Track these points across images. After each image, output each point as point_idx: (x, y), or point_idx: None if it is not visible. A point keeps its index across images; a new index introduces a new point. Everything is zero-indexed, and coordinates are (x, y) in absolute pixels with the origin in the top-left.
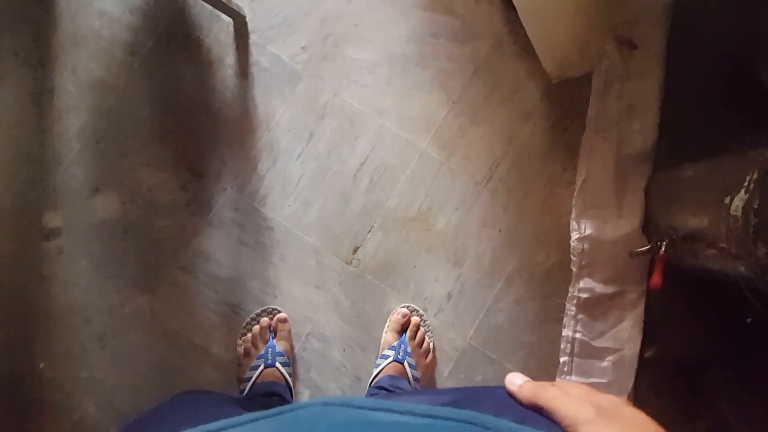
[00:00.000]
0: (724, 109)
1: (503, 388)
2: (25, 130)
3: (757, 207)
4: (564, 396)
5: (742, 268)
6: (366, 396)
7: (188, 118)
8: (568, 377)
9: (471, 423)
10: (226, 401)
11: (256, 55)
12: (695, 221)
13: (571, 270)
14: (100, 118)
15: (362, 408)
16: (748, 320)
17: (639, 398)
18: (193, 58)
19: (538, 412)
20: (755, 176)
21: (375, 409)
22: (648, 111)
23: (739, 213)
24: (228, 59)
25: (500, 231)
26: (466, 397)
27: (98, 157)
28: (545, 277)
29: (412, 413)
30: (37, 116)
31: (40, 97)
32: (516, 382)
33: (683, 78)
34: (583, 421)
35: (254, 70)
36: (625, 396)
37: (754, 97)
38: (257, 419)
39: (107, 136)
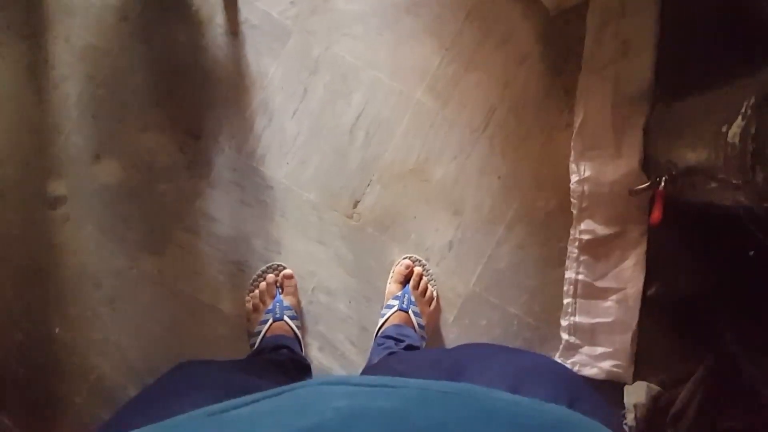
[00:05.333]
0: (721, 40)
1: (505, 350)
2: (23, 102)
3: (754, 132)
4: None
5: (742, 198)
6: (374, 345)
7: (182, 81)
8: (572, 318)
9: (466, 396)
10: (227, 368)
11: (245, 12)
12: (694, 154)
13: (572, 213)
14: (96, 86)
15: (360, 385)
16: (751, 253)
17: (644, 335)
18: (183, 20)
19: None
20: (752, 102)
21: (373, 386)
22: (644, 48)
23: (736, 140)
24: (218, 19)
25: (499, 178)
26: (463, 366)
27: (97, 124)
28: (546, 221)
29: (406, 387)
30: (34, 87)
31: (36, 67)
32: None
33: (679, 11)
34: None
35: (244, 28)
36: (630, 334)
37: (750, 25)
38: (257, 400)
39: (104, 103)
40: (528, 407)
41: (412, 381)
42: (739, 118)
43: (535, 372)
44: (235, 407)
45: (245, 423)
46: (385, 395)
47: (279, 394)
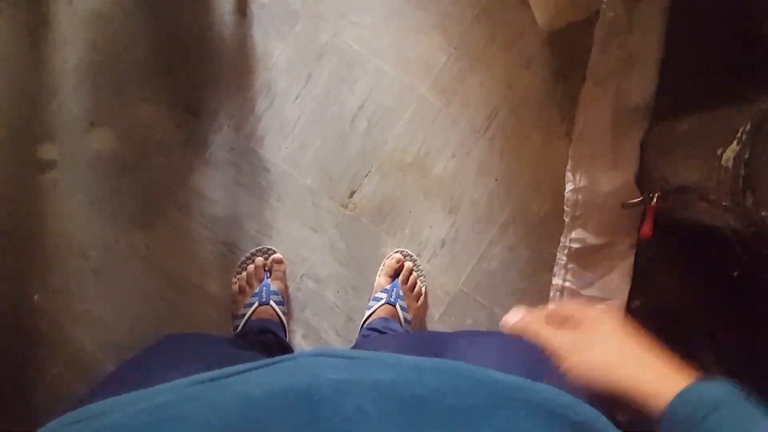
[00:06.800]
0: (723, 63)
1: (487, 334)
2: (20, 63)
3: (747, 157)
4: (542, 332)
5: (731, 220)
6: (359, 337)
7: (185, 55)
8: None
9: (460, 370)
10: (217, 342)
11: None
12: (688, 173)
13: (564, 220)
14: (96, 52)
15: (353, 358)
16: (734, 274)
17: None
18: None
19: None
20: (748, 127)
21: (366, 360)
22: (648, 63)
23: (729, 164)
24: None
25: (496, 179)
26: (447, 346)
27: (94, 92)
28: (539, 225)
29: (399, 362)
30: (33, 48)
31: (36, 29)
32: (509, 322)
33: (685, 31)
34: (561, 352)
35: (253, 8)
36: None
37: (754, 52)
38: (249, 369)
39: (103, 71)
40: (521, 384)
41: (404, 357)
42: (735, 142)
43: (519, 352)
44: (227, 375)
45: (236, 387)
46: (379, 368)
47: (271, 364)
